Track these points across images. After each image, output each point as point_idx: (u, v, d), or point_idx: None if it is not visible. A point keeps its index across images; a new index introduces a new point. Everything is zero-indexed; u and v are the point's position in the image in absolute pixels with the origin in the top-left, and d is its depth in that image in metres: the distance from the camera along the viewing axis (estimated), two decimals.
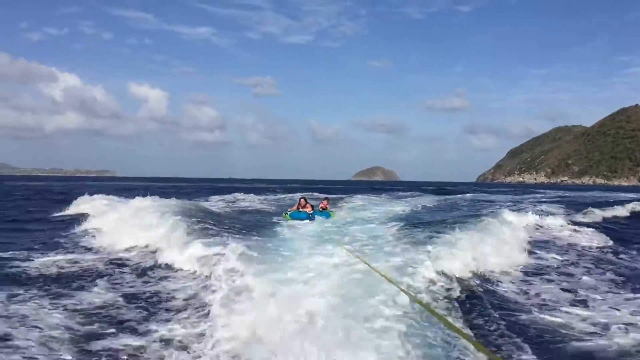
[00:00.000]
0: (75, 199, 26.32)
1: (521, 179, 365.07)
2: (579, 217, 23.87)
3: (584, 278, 10.94)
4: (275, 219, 22.42)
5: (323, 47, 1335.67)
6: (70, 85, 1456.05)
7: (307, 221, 20.99)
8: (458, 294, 8.67)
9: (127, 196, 41.23)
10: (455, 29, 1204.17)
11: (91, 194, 27.24)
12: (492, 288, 9.71)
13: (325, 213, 22.89)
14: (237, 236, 13.84)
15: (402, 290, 5.94)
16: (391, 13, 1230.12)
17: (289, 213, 22.79)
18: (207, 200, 35.10)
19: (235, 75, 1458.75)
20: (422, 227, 16.06)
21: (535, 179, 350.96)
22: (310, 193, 50.03)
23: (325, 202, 24.41)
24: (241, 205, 32.89)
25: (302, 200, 23.57)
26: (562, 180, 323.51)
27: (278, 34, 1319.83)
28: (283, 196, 44.68)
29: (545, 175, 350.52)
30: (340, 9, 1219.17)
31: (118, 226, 15.80)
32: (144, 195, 21.01)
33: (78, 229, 17.10)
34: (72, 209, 24.24)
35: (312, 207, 23.29)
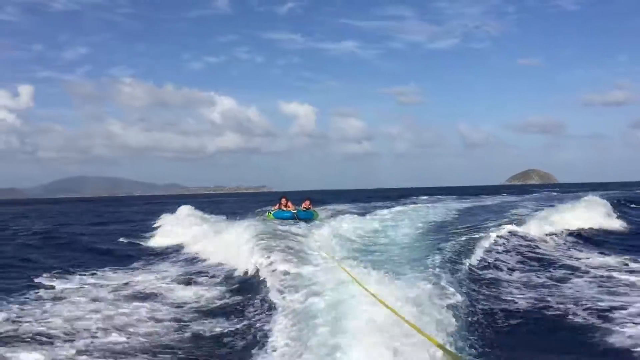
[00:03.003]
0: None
1: None
2: None
3: None
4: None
5: (468, 50, 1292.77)
6: (227, 107, 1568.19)
7: (292, 221, 20.20)
8: None
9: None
10: (616, 16, 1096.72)
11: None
12: None
13: (309, 213, 22.01)
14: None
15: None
16: (542, 8, 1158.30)
17: (272, 212, 22.06)
18: None
19: (379, 85, 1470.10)
20: None
21: None
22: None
23: (307, 202, 23.27)
24: None
25: (284, 199, 22.50)
26: None
27: (422, 41, 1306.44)
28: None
29: None
30: (486, 8, 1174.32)
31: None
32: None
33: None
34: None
35: (295, 206, 22.51)
